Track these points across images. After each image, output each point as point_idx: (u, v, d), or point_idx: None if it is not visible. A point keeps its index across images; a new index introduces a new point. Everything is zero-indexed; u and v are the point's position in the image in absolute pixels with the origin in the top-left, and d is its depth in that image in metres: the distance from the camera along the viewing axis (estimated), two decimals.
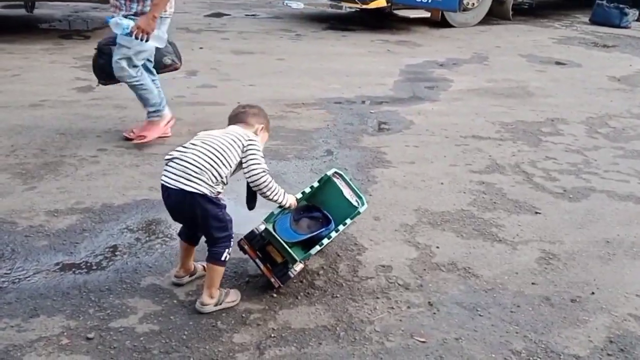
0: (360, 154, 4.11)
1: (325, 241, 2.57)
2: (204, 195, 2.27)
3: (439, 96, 5.65)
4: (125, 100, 4.50)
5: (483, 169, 3.97)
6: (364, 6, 8.63)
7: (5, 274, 2.59)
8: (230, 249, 2.39)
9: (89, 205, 3.22)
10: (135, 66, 3.82)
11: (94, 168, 3.68)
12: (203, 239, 2.46)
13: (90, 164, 3.73)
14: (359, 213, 2.66)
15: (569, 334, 2.40)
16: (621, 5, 10.05)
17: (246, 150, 2.36)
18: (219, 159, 2.30)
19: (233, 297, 2.46)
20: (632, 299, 2.65)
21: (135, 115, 4.37)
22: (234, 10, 9.94)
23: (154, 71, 4.11)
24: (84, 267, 2.68)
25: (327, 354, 2.22)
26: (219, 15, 9.53)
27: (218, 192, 2.33)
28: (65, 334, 2.25)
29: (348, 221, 2.64)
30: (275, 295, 2.54)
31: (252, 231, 2.51)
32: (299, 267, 2.51)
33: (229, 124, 2.54)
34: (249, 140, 2.39)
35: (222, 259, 2.37)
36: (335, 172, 2.80)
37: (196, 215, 2.33)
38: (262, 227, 2.49)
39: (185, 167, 2.27)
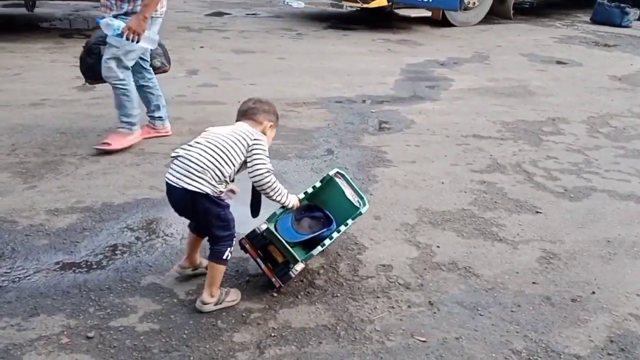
0: (361, 153, 4.11)
1: (327, 242, 2.56)
2: (206, 195, 2.27)
3: (439, 95, 5.65)
4: None
5: (484, 168, 3.97)
6: (365, 5, 8.63)
7: (6, 272, 2.60)
8: (232, 248, 2.40)
9: (89, 204, 3.22)
10: (125, 68, 3.77)
11: (95, 167, 3.68)
12: None
13: (90, 163, 3.73)
14: (360, 213, 2.66)
15: (569, 333, 2.40)
16: (622, 5, 10.05)
17: (251, 150, 2.36)
18: (222, 158, 2.30)
19: (233, 296, 2.46)
20: (632, 298, 2.65)
21: None
22: (234, 9, 9.94)
23: (151, 70, 4.10)
24: (84, 266, 2.68)
25: (327, 353, 2.22)
26: (219, 14, 9.53)
27: (221, 191, 2.33)
28: (65, 333, 2.25)
29: (349, 222, 2.64)
30: (275, 294, 2.54)
31: (254, 230, 2.51)
32: (299, 267, 2.51)
33: (238, 119, 2.52)
34: (255, 139, 2.38)
35: (224, 257, 2.37)
36: (337, 172, 2.80)
37: (198, 214, 2.35)
38: (264, 227, 2.49)
39: (188, 165, 2.28)
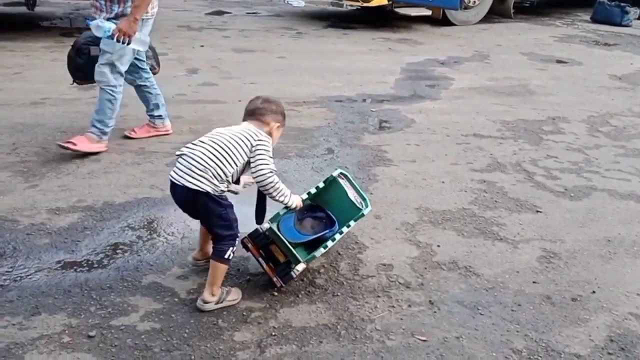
0: (361, 153, 4.11)
1: (329, 244, 2.56)
2: (207, 193, 2.29)
3: (440, 94, 5.65)
4: (126, 99, 4.48)
5: (484, 167, 3.97)
6: (365, 4, 8.63)
7: (7, 272, 2.60)
8: (235, 248, 2.40)
9: (90, 204, 3.22)
10: (119, 74, 3.74)
11: (95, 166, 3.68)
12: None
13: (91, 162, 3.74)
14: (362, 215, 2.66)
15: (569, 332, 2.40)
16: (622, 4, 10.05)
17: (254, 150, 2.36)
18: (224, 157, 2.31)
19: (234, 295, 2.47)
20: (633, 297, 2.65)
21: (136, 113, 4.36)
22: (234, 8, 9.94)
23: (148, 69, 4.09)
24: (85, 265, 2.68)
25: (327, 353, 2.22)
26: (219, 13, 9.53)
27: (222, 190, 2.33)
28: (66, 332, 2.25)
29: (352, 223, 2.64)
30: (276, 293, 2.54)
31: (256, 229, 2.52)
32: (301, 267, 2.51)
33: (245, 119, 2.52)
34: (259, 140, 2.38)
35: (226, 257, 2.37)
36: (341, 173, 2.79)
37: (200, 212, 2.37)
38: (267, 226, 2.50)
39: (191, 164, 2.30)
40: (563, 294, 2.64)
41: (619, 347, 2.33)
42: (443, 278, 2.72)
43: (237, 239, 2.41)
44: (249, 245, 2.53)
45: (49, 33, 7.35)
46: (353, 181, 2.79)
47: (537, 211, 3.40)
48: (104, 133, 3.84)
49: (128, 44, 3.59)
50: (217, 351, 2.19)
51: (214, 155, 2.30)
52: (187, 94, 5.21)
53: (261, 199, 2.50)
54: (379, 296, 2.56)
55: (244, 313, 2.41)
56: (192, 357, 2.16)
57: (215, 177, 2.29)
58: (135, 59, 3.89)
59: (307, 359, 2.19)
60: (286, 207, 2.54)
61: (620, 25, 9.82)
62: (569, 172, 3.97)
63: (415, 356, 2.23)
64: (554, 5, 11.47)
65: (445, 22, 9.12)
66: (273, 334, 2.30)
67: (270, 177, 2.35)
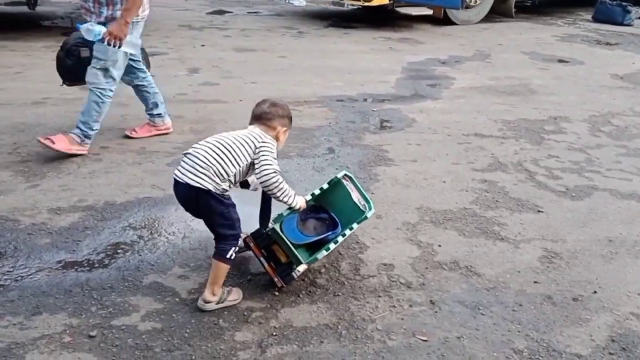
0: (362, 152, 4.11)
1: (331, 246, 2.56)
2: (208, 191, 2.29)
3: (441, 94, 5.65)
4: (126, 98, 4.50)
5: (485, 167, 3.97)
6: (366, 3, 8.63)
7: (8, 271, 2.60)
8: (237, 248, 2.40)
9: (91, 203, 3.23)
10: (112, 78, 3.72)
11: (96, 166, 3.68)
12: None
13: (92, 161, 3.74)
14: (366, 218, 2.66)
15: (571, 332, 2.40)
16: (624, 3, 10.04)
17: (258, 152, 2.37)
18: (227, 156, 2.32)
19: (235, 295, 2.47)
20: (634, 297, 2.64)
21: (136, 113, 4.36)
22: (236, 8, 9.94)
23: (144, 69, 4.08)
24: (86, 265, 2.68)
25: (328, 353, 2.22)
26: (220, 12, 9.53)
27: (224, 189, 2.34)
28: (67, 331, 2.25)
29: (355, 225, 2.64)
30: (277, 293, 2.54)
31: (259, 229, 2.52)
32: (302, 268, 2.50)
33: (251, 122, 2.52)
34: (262, 142, 2.39)
35: (228, 256, 2.37)
36: (345, 175, 2.78)
37: (201, 211, 2.38)
38: (269, 226, 2.49)
39: (193, 162, 2.31)
40: (564, 294, 2.64)
41: (620, 347, 2.33)
42: (444, 278, 2.71)
43: (240, 239, 2.42)
44: (251, 244, 2.53)
45: (50, 32, 7.35)
46: (357, 183, 2.79)
47: (539, 211, 3.40)
48: (87, 136, 3.79)
49: (119, 47, 3.58)
50: (218, 351, 2.19)
51: (217, 154, 2.32)
52: (188, 93, 5.21)
53: (265, 204, 2.51)
54: (380, 296, 2.56)
55: (245, 313, 2.41)
56: (193, 357, 2.16)
57: (217, 175, 2.29)
58: (131, 59, 3.88)
59: (308, 359, 2.19)
60: (290, 208, 2.54)
61: (621, 24, 9.81)
62: (571, 172, 3.97)
63: (417, 356, 2.23)
64: (555, 4, 11.46)
65: (446, 21, 9.12)
66: (274, 334, 2.30)
67: (274, 177, 2.35)
